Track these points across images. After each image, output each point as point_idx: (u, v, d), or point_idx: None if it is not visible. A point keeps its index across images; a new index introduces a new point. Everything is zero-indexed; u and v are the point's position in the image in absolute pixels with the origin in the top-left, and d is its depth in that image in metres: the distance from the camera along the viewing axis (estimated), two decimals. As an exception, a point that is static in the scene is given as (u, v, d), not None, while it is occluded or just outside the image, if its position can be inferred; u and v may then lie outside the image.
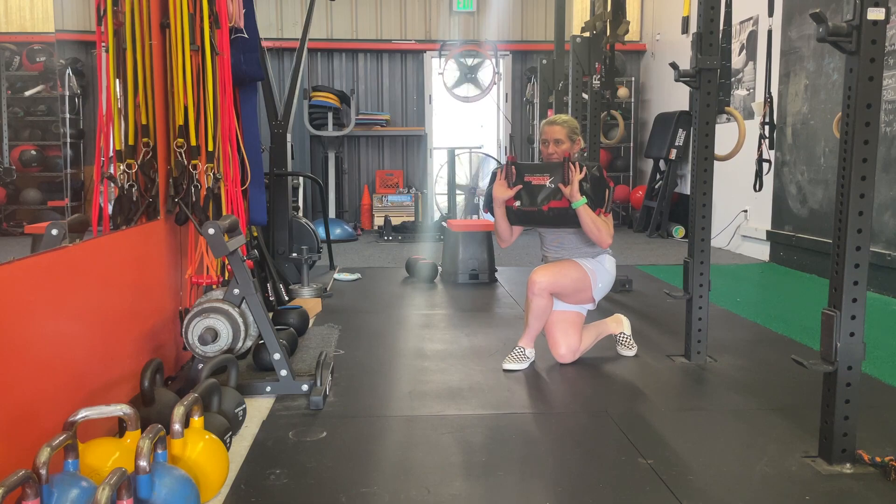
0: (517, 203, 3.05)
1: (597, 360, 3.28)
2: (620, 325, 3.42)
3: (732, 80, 6.34)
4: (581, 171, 2.92)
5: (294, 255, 4.76)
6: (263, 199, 3.68)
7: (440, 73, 8.48)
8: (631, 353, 3.35)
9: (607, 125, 8.08)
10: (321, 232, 5.77)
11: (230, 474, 2.04)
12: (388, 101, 9.04)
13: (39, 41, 3.05)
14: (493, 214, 3.15)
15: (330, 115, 8.24)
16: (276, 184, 4.96)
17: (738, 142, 4.16)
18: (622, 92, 8.82)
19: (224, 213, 2.88)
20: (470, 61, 8.54)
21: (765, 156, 4.62)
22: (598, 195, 2.97)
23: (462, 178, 8.58)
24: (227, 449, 2.08)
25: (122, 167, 2.60)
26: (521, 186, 3.02)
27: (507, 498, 1.97)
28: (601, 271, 3.13)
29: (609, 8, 4.70)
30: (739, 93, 6.80)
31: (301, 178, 7.64)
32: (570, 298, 3.13)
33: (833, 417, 2.08)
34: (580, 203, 2.91)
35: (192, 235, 2.95)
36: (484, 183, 9.19)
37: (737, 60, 6.78)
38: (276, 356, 2.70)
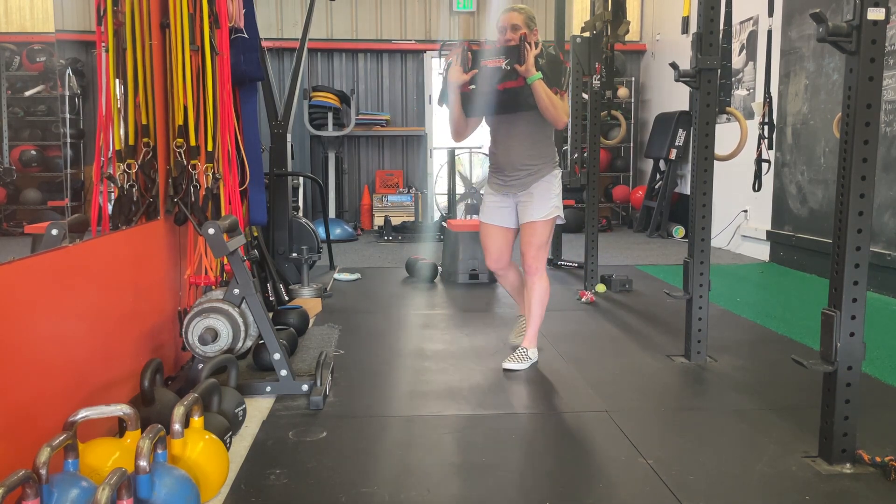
0: (471, 87, 2.96)
1: (597, 359, 3.28)
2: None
3: (732, 80, 6.35)
4: (536, 47, 2.86)
5: (294, 255, 4.76)
6: (263, 199, 3.68)
7: (440, 73, 8.47)
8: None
9: (607, 125, 8.10)
10: (321, 232, 5.77)
11: (230, 474, 2.04)
12: (388, 101, 9.04)
13: (39, 41, 3.05)
14: (448, 105, 3.05)
15: (330, 115, 8.24)
16: (276, 184, 4.96)
17: (739, 142, 4.16)
18: (622, 92, 8.82)
19: (224, 213, 2.88)
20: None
21: (764, 156, 4.63)
22: (555, 74, 2.91)
23: (462, 178, 8.58)
24: (227, 449, 2.08)
25: (122, 167, 2.60)
26: (476, 71, 2.94)
27: (507, 498, 1.97)
28: (557, 199, 3.07)
29: (609, 8, 4.70)
30: (739, 93, 6.80)
31: (301, 178, 7.64)
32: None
33: (833, 417, 2.08)
34: (535, 77, 2.83)
35: (192, 235, 2.95)
36: (477, 180, 9.20)
37: (737, 60, 6.78)
38: (276, 356, 2.70)
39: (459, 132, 3.10)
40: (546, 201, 3.04)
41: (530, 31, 2.97)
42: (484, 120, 3.13)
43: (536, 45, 2.86)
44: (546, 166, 3.06)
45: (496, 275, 3.33)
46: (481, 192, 8.92)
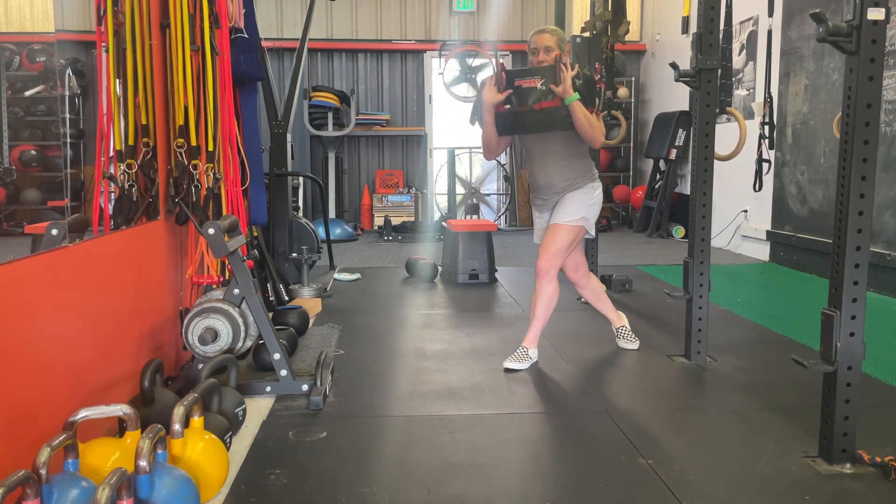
0: (507, 106, 2.98)
1: (597, 359, 3.28)
2: (622, 318, 3.47)
3: (732, 80, 6.35)
4: (573, 69, 2.89)
5: (294, 255, 4.76)
6: (263, 198, 3.68)
7: (440, 73, 8.48)
8: (634, 346, 3.39)
9: (607, 125, 8.09)
10: (321, 232, 5.77)
11: (230, 474, 2.04)
12: (388, 101, 9.04)
13: (39, 41, 3.05)
14: (481, 125, 3.08)
15: (330, 115, 8.24)
16: (276, 184, 4.96)
17: (739, 142, 4.16)
18: (622, 92, 8.82)
19: (224, 213, 2.88)
20: (470, 61, 8.53)
21: (764, 156, 4.63)
22: (590, 94, 2.94)
23: (462, 178, 8.58)
24: (227, 449, 2.08)
25: (122, 167, 2.60)
26: (511, 91, 2.97)
27: (507, 498, 1.97)
28: (589, 210, 3.09)
29: (609, 8, 4.70)
30: (739, 93, 6.80)
31: (301, 178, 7.64)
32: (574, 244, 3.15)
33: (833, 417, 2.08)
34: (573, 98, 2.86)
35: (192, 235, 2.95)
36: (484, 184, 9.20)
37: (737, 60, 6.78)
38: (276, 356, 2.70)
39: (492, 150, 3.15)
40: (576, 206, 3.06)
41: (562, 52, 3.03)
42: (519, 139, 3.19)
43: (572, 66, 2.90)
44: (584, 179, 3.09)
45: (577, 286, 3.35)
46: (481, 190, 8.93)
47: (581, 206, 3.06)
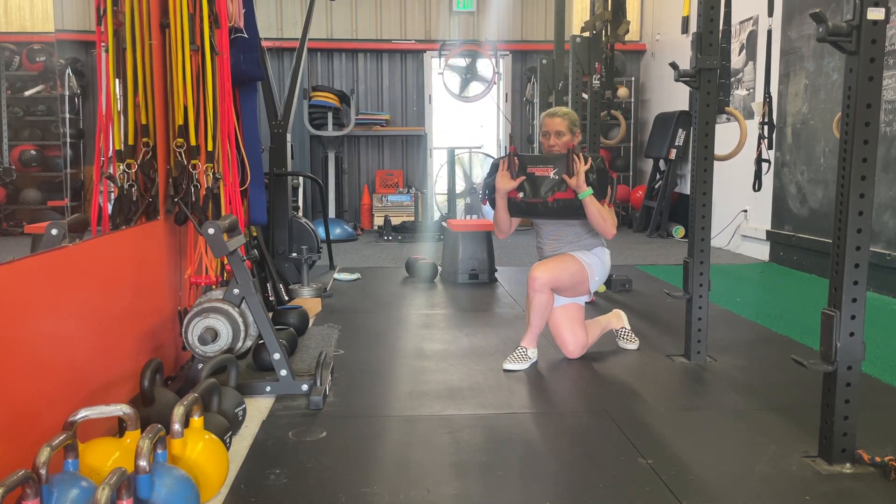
0: (521, 195, 3.04)
1: (597, 359, 3.28)
2: (620, 319, 3.48)
3: (732, 80, 6.35)
4: (586, 162, 2.93)
5: (294, 255, 4.76)
6: (263, 198, 3.68)
7: (440, 73, 8.48)
8: (634, 346, 3.40)
9: (607, 125, 8.10)
10: (321, 232, 5.77)
11: (230, 474, 2.04)
12: (388, 101, 9.04)
13: (39, 41, 3.05)
14: (492, 205, 3.14)
15: (330, 115, 8.24)
16: (276, 184, 4.96)
17: (739, 142, 4.16)
18: (622, 92, 8.82)
19: (224, 212, 2.88)
20: (470, 61, 8.54)
21: (764, 156, 4.63)
22: (602, 186, 2.98)
23: (462, 178, 8.58)
24: (227, 449, 2.08)
25: (121, 167, 2.60)
26: (524, 178, 3.02)
27: (507, 498, 1.97)
28: (597, 264, 3.16)
29: (609, 8, 4.70)
30: (739, 93, 6.80)
31: (301, 178, 7.64)
32: (568, 292, 3.16)
33: (833, 417, 2.08)
34: (587, 194, 2.91)
35: (192, 235, 2.95)
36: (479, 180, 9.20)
37: (737, 60, 6.78)
38: (276, 356, 2.70)
39: (504, 232, 3.22)
40: (590, 255, 3.14)
41: (573, 136, 3.09)
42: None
43: (586, 158, 2.93)
44: (594, 246, 3.19)
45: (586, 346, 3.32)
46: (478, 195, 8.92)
47: (592, 258, 3.14)
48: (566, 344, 3.19)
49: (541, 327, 3.13)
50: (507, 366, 3.09)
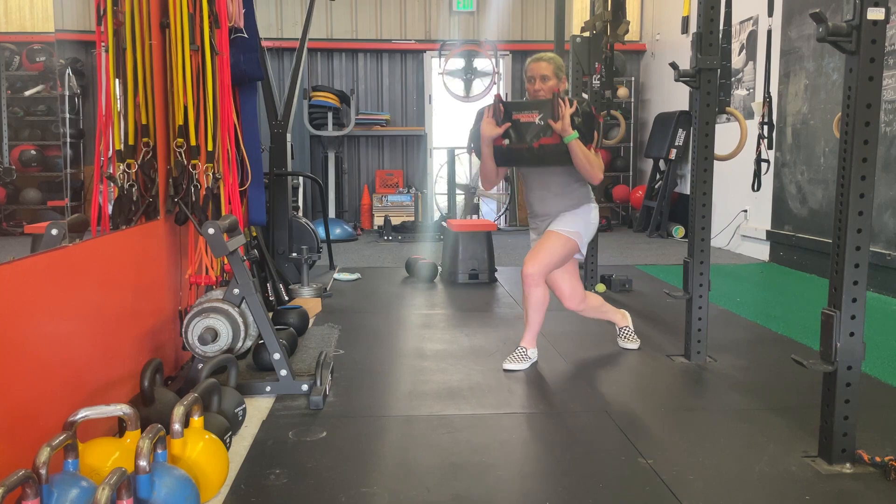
0: (506, 142, 2.96)
1: (597, 359, 3.28)
2: (625, 318, 3.48)
3: (732, 79, 6.35)
4: (571, 105, 2.86)
5: (294, 255, 4.76)
6: (263, 198, 3.68)
7: (440, 73, 8.48)
8: (634, 345, 3.41)
9: (607, 125, 8.10)
10: (321, 232, 5.77)
11: (230, 474, 2.04)
12: (388, 101, 9.04)
13: (39, 41, 3.05)
14: (478, 156, 3.08)
15: (330, 115, 8.24)
16: (276, 184, 4.96)
17: (739, 142, 4.16)
18: (622, 92, 8.82)
19: (224, 212, 2.88)
20: (466, 62, 8.53)
21: (763, 156, 4.63)
22: (589, 130, 2.92)
23: (462, 178, 8.58)
24: (227, 449, 2.08)
25: (121, 167, 2.60)
26: (509, 124, 2.94)
27: (507, 498, 1.97)
28: (584, 227, 3.09)
29: (609, 8, 4.70)
30: (739, 93, 6.80)
31: (301, 178, 7.64)
32: (563, 263, 3.15)
33: (833, 417, 2.08)
34: (572, 137, 2.84)
35: (192, 235, 2.95)
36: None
37: (737, 60, 6.78)
38: (276, 356, 2.70)
39: (489, 181, 3.15)
40: (573, 220, 3.07)
41: (559, 81, 3.01)
42: (516, 168, 3.17)
43: (571, 101, 2.88)
44: (580, 203, 3.10)
45: (578, 312, 3.33)
46: (478, 195, 8.93)
47: (577, 222, 3.07)
48: (564, 293, 3.20)
49: (539, 324, 3.12)
50: (507, 366, 3.09)
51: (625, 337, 3.43)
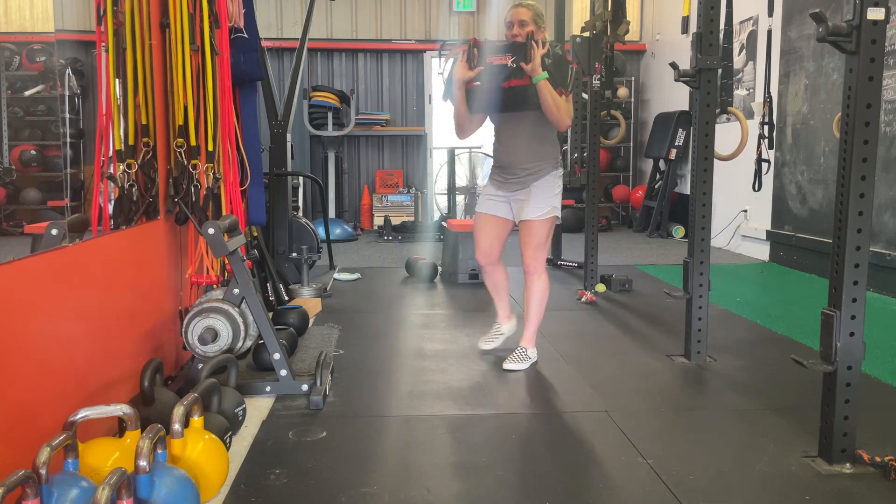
0: (477, 83, 2.95)
1: (597, 359, 3.28)
2: (510, 320, 3.44)
3: (733, 79, 6.35)
4: (543, 47, 2.84)
5: (294, 255, 4.76)
6: (263, 198, 3.68)
7: (440, 73, 8.47)
8: (489, 346, 3.37)
9: (607, 125, 8.10)
10: (321, 232, 5.77)
11: (230, 474, 2.04)
12: (388, 101, 9.04)
13: (39, 41, 3.05)
14: (452, 101, 3.05)
15: (330, 114, 8.24)
16: (276, 184, 4.96)
17: (740, 142, 4.16)
18: (622, 92, 8.82)
19: (224, 212, 2.88)
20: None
21: (764, 156, 4.63)
22: (561, 74, 2.90)
23: (462, 178, 8.58)
24: (227, 449, 2.08)
25: (122, 167, 2.59)
26: (481, 68, 2.93)
27: (507, 498, 1.97)
28: (557, 199, 3.06)
29: (609, 8, 4.70)
30: (739, 93, 6.80)
31: (301, 178, 7.64)
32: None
33: (833, 417, 2.08)
34: (541, 77, 2.81)
35: (192, 235, 2.95)
36: (483, 182, 9.19)
37: (737, 60, 6.77)
38: (276, 356, 2.70)
39: (463, 128, 3.09)
40: (544, 200, 3.03)
41: (538, 28, 2.96)
42: (488, 117, 3.12)
43: (543, 44, 2.85)
44: (548, 166, 3.05)
45: (483, 271, 3.30)
46: (478, 194, 8.94)
47: (548, 198, 3.04)
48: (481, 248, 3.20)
49: (539, 318, 3.13)
50: (507, 365, 3.09)
51: (493, 334, 3.40)
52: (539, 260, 3.07)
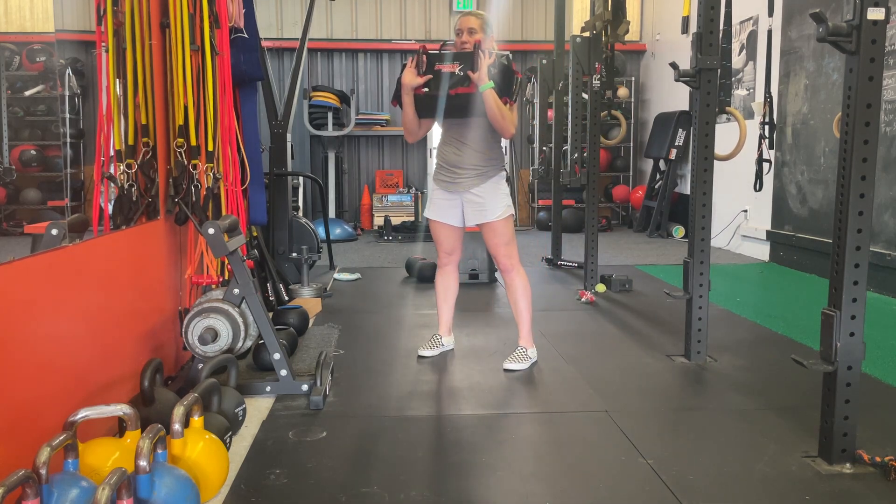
0: (425, 90, 2.99)
1: (597, 359, 3.28)
2: (449, 335, 3.41)
3: (732, 79, 6.35)
4: (490, 57, 2.89)
5: (294, 255, 4.76)
6: (263, 198, 3.68)
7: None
8: (429, 353, 3.32)
9: (607, 125, 8.10)
10: (321, 232, 5.77)
11: (230, 474, 2.04)
12: (388, 101, 9.04)
13: (39, 41, 3.05)
14: (401, 106, 3.08)
15: (330, 115, 8.24)
16: (276, 184, 4.96)
17: (738, 142, 4.16)
18: (622, 92, 8.82)
19: (224, 212, 2.88)
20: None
21: (765, 156, 4.63)
22: (506, 83, 2.95)
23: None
24: (227, 449, 2.08)
25: (122, 167, 2.60)
26: (430, 76, 2.97)
27: (507, 498, 1.97)
28: (506, 197, 3.10)
29: (609, 8, 4.70)
30: (739, 93, 6.80)
31: (301, 178, 7.64)
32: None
33: (833, 417, 2.08)
34: (487, 87, 2.86)
35: (192, 235, 2.95)
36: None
37: (737, 60, 6.78)
38: (276, 356, 2.70)
39: (412, 132, 3.14)
40: (497, 201, 3.08)
41: (486, 37, 3.02)
42: (436, 122, 3.16)
43: (490, 53, 2.90)
44: (493, 169, 3.09)
45: (441, 271, 3.29)
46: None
47: (499, 198, 3.08)
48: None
49: (530, 314, 3.16)
50: (507, 365, 3.09)
51: (430, 342, 3.36)
52: (513, 256, 3.10)
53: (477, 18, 3.04)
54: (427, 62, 2.97)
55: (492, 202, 3.06)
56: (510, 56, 3.02)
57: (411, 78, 2.97)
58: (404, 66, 3.03)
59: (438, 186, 3.20)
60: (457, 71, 2.93)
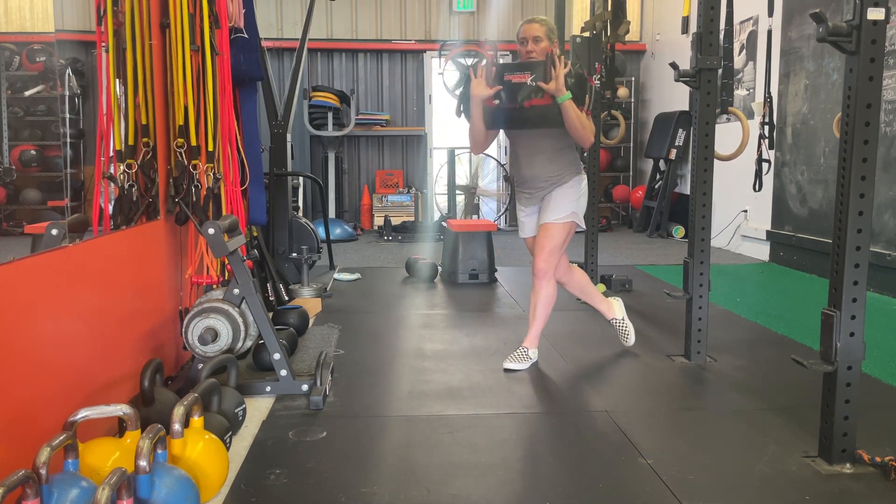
0: (496, 102, 2.92)
1: (597, 359, 3.28)
2: (612, 308, 3.40)
3: (734, 79, 6.35)
4: (566, 65, 2.81)
5: (294, 255, 4.76)
6: (263, 198, 3.68)
7: (440, 73, 8.48)
8: (628, 342, 3.37)
9: (607, 125, 8.10)
10: (321, 232, 5.77)
11: (230, 474, 2.04)
12: (388, 101, 9.04)
13: (39, 41, 3.05)
14: (468, 118, 3.03)
15: (330, 115, 8.24)
16: (276, 184, 4.96)
17: (741, 142, 4.16)
18: (622, 92, 8.81)
19: (224, 212, 2.88)
20: (470, 61, 8.52)
21: (764, 156, 4.63)
22: (581, 92, 2.89)
23: (462, 178, 8.58)
24: (227, 449, 2.08)
25: (122, 167, 2.60)
26: (500, 87, 2.90)
27: (507, 498, 1.97)
28: (577, 204, 3.06)
29: (609, 8, 4.70)
30: (739, 93, 6.80)
31: (301, 178, 7.64)
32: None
33: (833, 417, 2.08)
34: (566, 97, 2.78)
35: (192, 235, 2.95)
36: (484, 182, 9.20)
37: (737, 60, 6.78)
38: (276, 356, 2.70)
39: (479, 145, 3.10)
40: (564, 203, 3.03)
41: (551, 44, 2.96)
42: (504, 132, 3.12)
43: (566, 63, 2.83)
44: (569, 173, 3.05)
45: (560, 283, 3.26)
46: (483, 190, 8.93)
47: (569, 202, 3.03)
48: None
49: (545, 320, 3.12)
50: (508, 365, 3.09)
51: (618, 329, 3.39)
52: (550, 264, 3.04)
53: (541, 26, 2.97)
54: (496, 73, 2.90)
55: (557, 202, 3.02)
56: (581, 65, 2.95)
57: (481, 90, 2.90)
58: (468, 77, 2.95)
59: (521, 204, 3.21)
60: (528, 81, 2.84)
